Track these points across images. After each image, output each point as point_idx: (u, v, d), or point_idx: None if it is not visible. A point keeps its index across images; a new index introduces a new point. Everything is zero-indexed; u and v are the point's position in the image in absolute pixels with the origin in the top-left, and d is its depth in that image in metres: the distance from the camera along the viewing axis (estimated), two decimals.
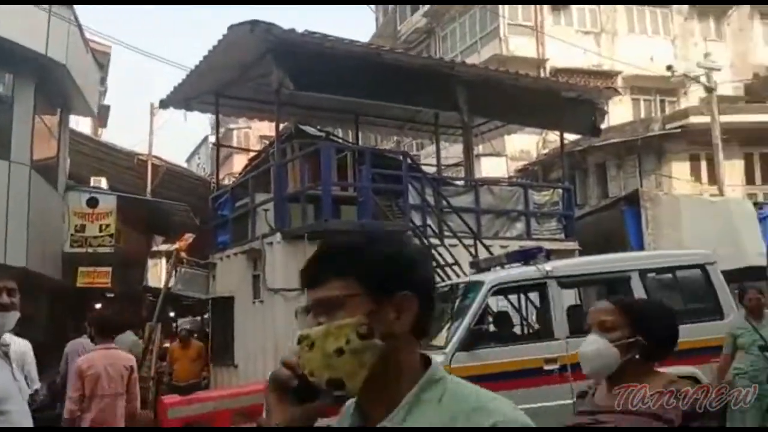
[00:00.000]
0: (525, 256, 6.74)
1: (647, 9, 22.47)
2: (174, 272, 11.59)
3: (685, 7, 22.51)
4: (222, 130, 47.96)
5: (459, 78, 10.58)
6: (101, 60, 29.13)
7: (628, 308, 2.09)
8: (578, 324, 6.67)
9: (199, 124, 51.17)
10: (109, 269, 12.62)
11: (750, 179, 17.89)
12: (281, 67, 9.38)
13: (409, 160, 9.71)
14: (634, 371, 1.99)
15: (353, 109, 12.93)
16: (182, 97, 11.94)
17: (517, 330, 7.52)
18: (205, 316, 13.29)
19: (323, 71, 9.65)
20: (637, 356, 1.98)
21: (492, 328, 6.96)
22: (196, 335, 11.02)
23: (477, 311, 6.08)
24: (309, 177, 9.73)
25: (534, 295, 7.44)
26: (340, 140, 14.36)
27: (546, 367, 5.99)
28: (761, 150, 18.12)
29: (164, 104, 12.36)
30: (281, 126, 14.35)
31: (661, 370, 2.11)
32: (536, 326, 7.32)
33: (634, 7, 22.29)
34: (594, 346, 1.99)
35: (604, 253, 9.83)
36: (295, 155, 9.88)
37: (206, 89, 11.51)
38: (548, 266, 6.45)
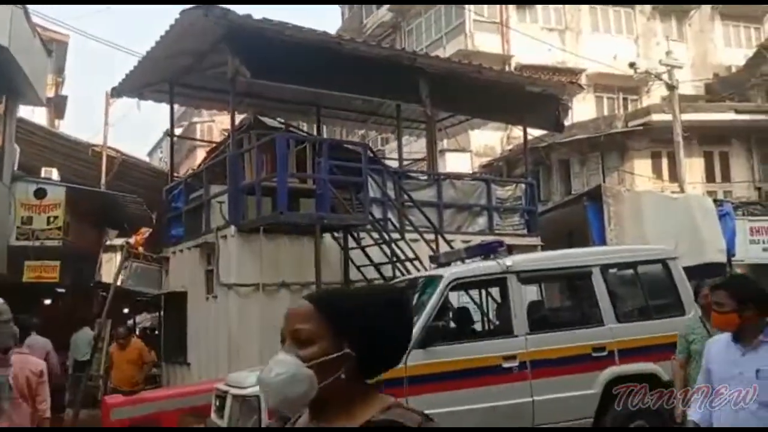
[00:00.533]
0: (485, 251, 6.55)
1: (611, 8, 22.62)
2: (123, 267, 11.12)
3: (648, 7, 22.72)
4: (185, 123, 47.19)
5: (421, 70, 10.36)
6: (59, 49, 28.20)
7: (329, 309, 1.41)
8: (539, 320, 6.53)
9: (164, 117, 49.90)
10: (58, 263, 12.07)
11: (710, 177, 18.12)
12: (237, 54, 9.02)
13: (369, 153, 9.44)
14: (341, 394, 1.40)
15: (315, 101, 12.63)
16: (135, 85, 11.47)
17: (477, 326, 7.35)
18: None
19: (282, 60, 9.32)
20: (342, 376, 1.38)
21: (452, 324, 6.77)
22: (149, 332, 10.56)
23: (435, 307, 5.86)
24: (267, 169, 9.41)
25: (496, 291, 7.29)
26: (303, 133, 14.03)
27: (505, 365, 5.80)
28: (720, 149, 18.36)
29: (116, 92, 11.87)
30: (241, 117, 14.07)
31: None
32: (496, 322, 7.14)
33: (598, 6, 22.41)
34: (280, 370, 1.36)
35: (567, 249, 9.75)
36: (250, 146, 9.54)
37: (160, 77, 11.07)
38: (508, 261, 6.28)
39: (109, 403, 6.89)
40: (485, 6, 20.98)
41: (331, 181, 8.70)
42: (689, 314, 6.53)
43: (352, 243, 8.95)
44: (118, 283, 11.26)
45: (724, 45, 23.19)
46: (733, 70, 22.42)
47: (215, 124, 39.27)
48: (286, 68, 9.44)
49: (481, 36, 20.84)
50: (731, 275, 4.52)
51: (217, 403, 5.98)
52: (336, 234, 9.00)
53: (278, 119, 13.14)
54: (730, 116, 17.55)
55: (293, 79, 9.80)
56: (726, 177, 18.28)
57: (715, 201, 13.70)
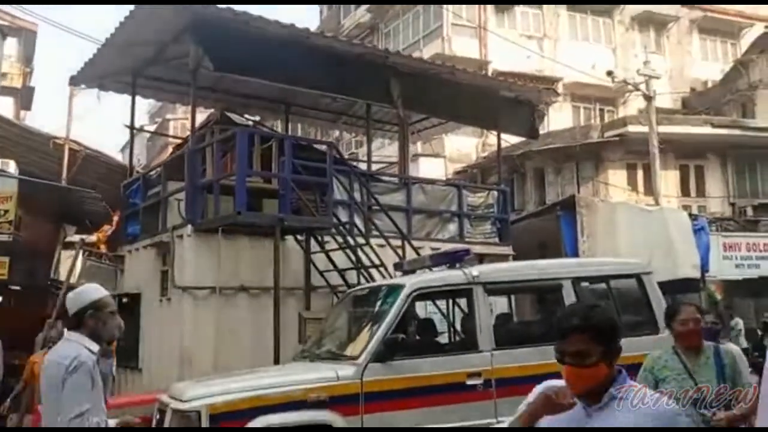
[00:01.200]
0: (451, 259, 6.18)
1: (590, 17, 22.56)
2: (74, 265, 10.56)
3: (626, 18, 22.70)
4: (159, 120, 46.06)
5: (393, 69, 10.00)
6: (27, 39, 27.27)
7: None
8: (506, 335, 6.17)
9: (141, 114, 48.81)
10: (7, 259, 11.47)
11: (685, 191, 18.05)
12: (200, 44, 8.59)
13: (335, 153, 9.04)
14: None
15: (283, 99, 12.20)
16: (95, 74, 10.92)
17: (442, 339, 6.98)
18: None
19: (248, 53, 8.90)
20: None
21: (414, 336, 6.38)
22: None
23: (395, 318, 5.47)
24: (230, 166, 8.96)
25: (463, 302, 6.93)
26: (272, 131, 13.57)
27: (468, 382, 5.43)
28: (696, 162, 18.31)
29: (76, 81, 11.29)
30: (208, 113, 13.57)
31: None
32: (461, 336, 6.77)
33: (577, 13, 22.32)
34: None
35: (539, 259, 9.44)
36: (209, 141, 9.06)
37: (122, 67, 10.54)
38: (475, 271, 5.91)
39: (41, 413, 6.34)
40: (464, 10, 20.74)
41: (296, 181, 8.29)
42: (663, 332, 6.24)
43: (315, 247, 8.54)
44: (72, 282, 10.71)
45: (701, 59, 23.26)
46: (709, 84, 22.49)
47: (188, 122, 38.38)
48: (252, 62, 9.02)
49: (458, 40, 20.60)
50: (579, 305, 3.16)
51: (158, 417, 5.52)
52: (299, 237, 8.58)
53: (245, 116, 12.69)
54: (707, 130, 17.51)
55: (260, 73, 9.38)
56: (701, 191, 18.23)
57: (690, 215, 13.57)
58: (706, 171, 18.36)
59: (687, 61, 22.82)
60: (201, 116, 13.22)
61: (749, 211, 17.58)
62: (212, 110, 12.85)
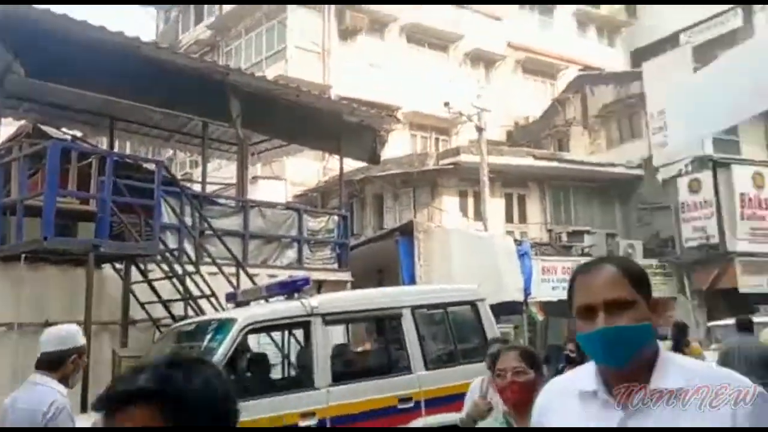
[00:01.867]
0: (288, 289, 5.84)
1: (428, 50, 23.53)
2: None
3: (460, 53, 23.97)
4: None
5: (234, 87, 9.53)
6: None
7: None
8: (343, 368, 5.93)
9: None
10: None
11: (509, 217, 19.20)
12: (11, 47, 7.57)
13: (165, 172, 8.36)
14: None
15: (109, 112, 11.15)
16: None
17: (276, 374, 6.58)
18: None
19: (68, 59, 7.99)
20: None
21: (247, 373, 5.93)
22: None
23: (224, 356, 5.01)
24: (41, 186, 7.91)
25: (301, 334, 6.60)
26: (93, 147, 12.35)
27: (302, 423, 5.10)
28: (519, 191, 19.61)
29: None
30: (18, 126, 12.06)
31: None
32: (298, 371, 6.43)
33: (417, 47, 23.17)
34: None
35: (376, 284, 9.40)
36: (14, 156, 7.97)
37: None
38: (314, 301, 5.63)
39: None
40: (309, 33, 20.68)
41: (118, 203, 7.50)
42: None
43: (138, 276, 7.76)
44: None
45: (524, 96, 25.13)
46: (531, 119, 24.36)
47: None
48: (73, 69, 8.11)
49: (301, 63, 20.45)
50: (155, 361, 1.08)
51: None
52: (118, 265, 7.75)
53: (63, 130, 11.43)
54: (529, 161, 18.83)
55: (80, 82, 8.47)
56: (523, 218, 19.51)
57: (515, 241, 14.41)
58: (527, 199, 19.72)
59: (512, 97, 24.53)
60: (9, 129, 11.75)
61: (564, 237, 19.12)
62: (23, 122, 11.45)
